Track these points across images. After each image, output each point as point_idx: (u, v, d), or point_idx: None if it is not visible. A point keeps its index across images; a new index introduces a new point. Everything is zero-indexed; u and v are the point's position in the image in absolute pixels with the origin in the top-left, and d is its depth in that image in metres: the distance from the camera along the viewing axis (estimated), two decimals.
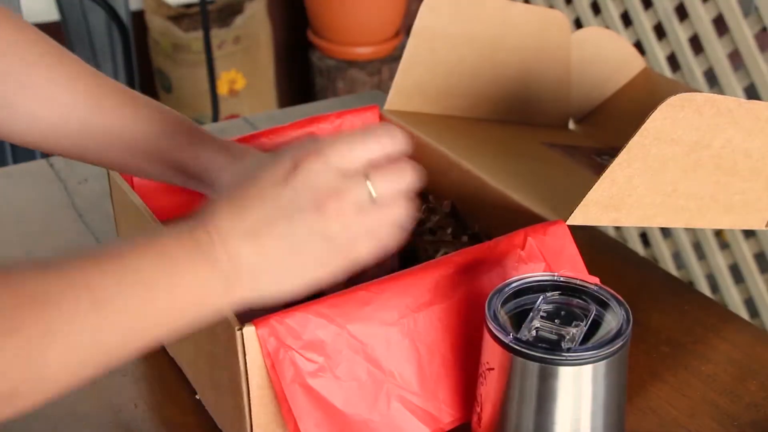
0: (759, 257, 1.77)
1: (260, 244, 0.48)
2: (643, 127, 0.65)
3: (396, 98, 0.87)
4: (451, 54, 0.88)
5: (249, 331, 0.56)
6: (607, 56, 0.99)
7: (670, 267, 1.97)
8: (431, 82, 0.88)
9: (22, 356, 0.41)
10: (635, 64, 1.00)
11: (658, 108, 0.65)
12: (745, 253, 1.77)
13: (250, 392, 0.57)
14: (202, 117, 2.11)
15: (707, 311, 0.80)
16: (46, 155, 1.90)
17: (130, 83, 1.84)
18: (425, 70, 0.87)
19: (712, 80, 1.82)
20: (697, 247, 1.89)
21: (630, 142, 0.66)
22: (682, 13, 1.84)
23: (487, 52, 0.90)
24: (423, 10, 0.85)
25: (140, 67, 2.13)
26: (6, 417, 0.42)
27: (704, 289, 1.89)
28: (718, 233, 1.89)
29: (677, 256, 1.97)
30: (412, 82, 0.87)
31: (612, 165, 0.67)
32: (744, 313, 1.82)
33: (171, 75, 2.19)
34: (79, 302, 0.43)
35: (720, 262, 1.83)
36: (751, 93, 1.75)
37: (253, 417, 0.58)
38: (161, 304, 0.46)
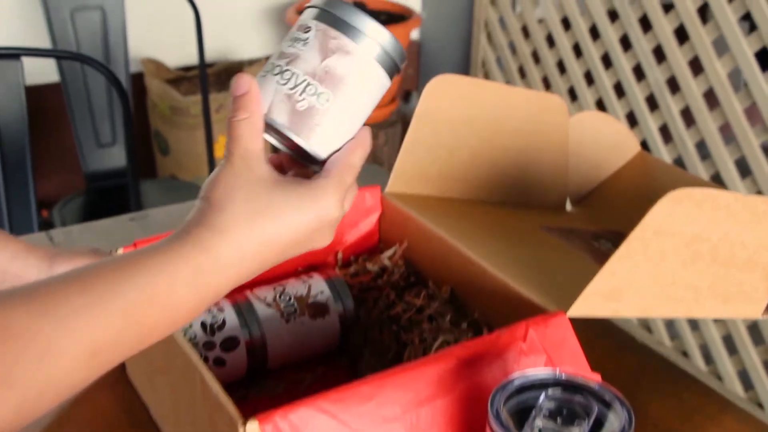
0: (752, 329, 1.77)
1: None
2: (643, 221, 0.67)
3: (397, 181, 0.88)
4: (452, 137, 0.90)
5: (252, 427, 0.55)
6: (603, 139, 1.01)
7: (664, 336, 1.97)
8: (432, 165, 0.89)
9: (27, 365, 0.43)
10: (631, 146, 1.02)
11: (658, 202, 0.66)
12: (739, 325, 1.78)
13: None
14: (199, 180, 2.13)
15: (706, 399, 0.80)
16: (45, 228, 1.89)
17: (128, 146, 1.86)
18: (426, 153, 0.89)
19: (704, 152, 1.85)
20: (691, 318, 1.90)
21: (630, 236, 0.67)
22: (673, 86, 1.88)
23: (487, 135, 0.91)
24: (425, 93, 0.87)
25: (137, 130, 2.14)
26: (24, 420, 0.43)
27: (698, 360, 1.89)
28: None
29: (671, 326, 1.98)
30: (413, 164, 0.88)
31: (612, 257, 0.67)
32: (738, 386, 1.82)
33: (168, 137, 2.21)
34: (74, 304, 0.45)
35: (714, 333, 1.84)
36: (742, 165, 1.77)
37: None
38: (160, 297, 0.48)
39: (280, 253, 0.53)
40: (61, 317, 0.44)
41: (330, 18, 0.56)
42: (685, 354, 1.93)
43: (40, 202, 2.03)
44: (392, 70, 0.58)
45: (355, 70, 0.56)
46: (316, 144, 0.56)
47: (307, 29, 0.56)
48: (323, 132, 0.56)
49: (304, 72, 0.55)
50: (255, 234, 0.51)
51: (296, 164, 0.59)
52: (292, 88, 0.55)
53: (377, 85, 0.57)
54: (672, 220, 0.68)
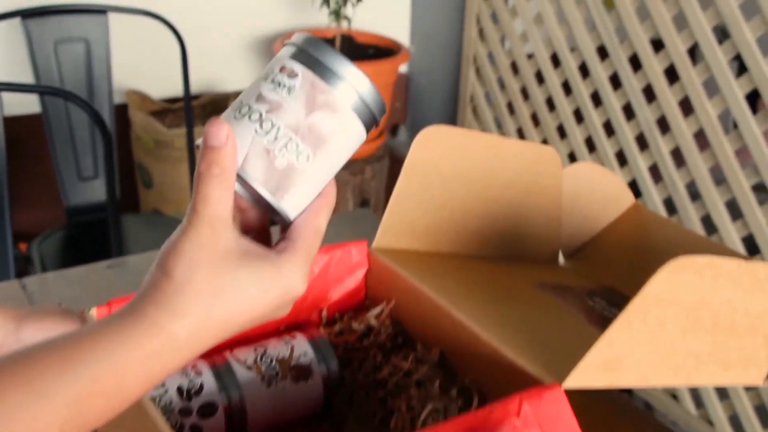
0: None
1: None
2: (642, 290, 0.64)
3: (385, 235, 0.85)
4: (443, 189, 0.87)
5: None
6: (597, 191, 0.98)
7: None
8: (422, 219, 0.86)
9: None
10: (625, 198, 1.00)
11: (658, 272, 0.64)
12: None
13: None
14: (182, 214, 2.08)
15: None
16: (22, 262, 1.84)
17: (109, 185, 1.82)
18: (416, 206, 0.86)
19: (694, 192, 1.83)
20: (692, 386, 1.87)
21: (629, 305, 0.64)
22: (663, 126, 1.86)
23: (478, 188, 0.89)
24: (415, 145, 0.84)
25: (121, 162, 2.11)
26: None
27: (688, 403, 1.86)
28: None
29: None
30: (402, 218, 0.85)
31: (610, 327, 0.64)
32: (729, 431, 1.79)
33: (152, 170, 2.18)
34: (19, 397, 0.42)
35: None
36: (732, 206, 1.76)
37: None
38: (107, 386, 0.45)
39: (239, 328, 0.50)
40: None
41: (317, 65, 0.52)
42: (674, 397, 1.90)
43: (20, 234, 1.99)
44: (371, 125, 0.55)
45: (339, 128, 0.53)
46: (288, 204, 0.53)
47: (293, 75, 0.53)
48: (297, 192, 0.52)
49: (286, 125, 0.52)
50: (215, 315, 0.48)
51: (256, 208, 0.56)
52: (271, 141, 0.51)
53: (356, 142, 0.55)
54: (673, 289, 0.65)
